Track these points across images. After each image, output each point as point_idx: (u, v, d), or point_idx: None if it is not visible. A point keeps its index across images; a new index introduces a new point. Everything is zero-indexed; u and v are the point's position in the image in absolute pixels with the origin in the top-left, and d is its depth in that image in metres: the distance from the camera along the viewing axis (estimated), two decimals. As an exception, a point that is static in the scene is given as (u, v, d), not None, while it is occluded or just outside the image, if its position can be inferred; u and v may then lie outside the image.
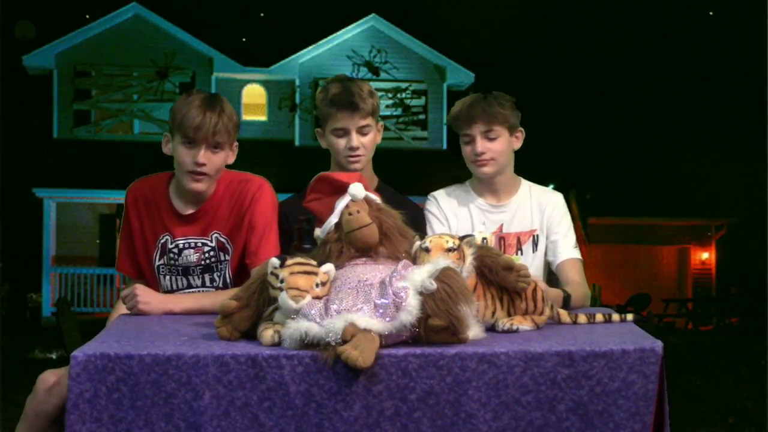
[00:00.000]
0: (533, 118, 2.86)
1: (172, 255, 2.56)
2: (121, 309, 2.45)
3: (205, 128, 2.40)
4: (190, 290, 2.58)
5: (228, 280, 2.57)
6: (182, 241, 2.55)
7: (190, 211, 2.55)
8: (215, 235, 2.55)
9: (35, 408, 2.13)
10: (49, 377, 2.26)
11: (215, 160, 2.47)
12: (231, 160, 2.56)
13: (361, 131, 2.74)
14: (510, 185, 2.84)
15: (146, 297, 2.34)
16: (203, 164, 2.44)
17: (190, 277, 2.57)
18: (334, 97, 2.70)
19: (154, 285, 2.58)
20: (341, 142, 2.74)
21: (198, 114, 2.40)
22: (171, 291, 2.58)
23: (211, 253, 2.55)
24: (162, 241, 2.57)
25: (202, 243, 2.55)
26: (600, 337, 1.91)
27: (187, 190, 2.52)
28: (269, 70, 18.54)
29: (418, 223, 2.61)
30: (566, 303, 2.38)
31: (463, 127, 2.75)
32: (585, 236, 17.89)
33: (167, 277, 2.58)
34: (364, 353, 1.65)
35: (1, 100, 11.30)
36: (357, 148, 2.73)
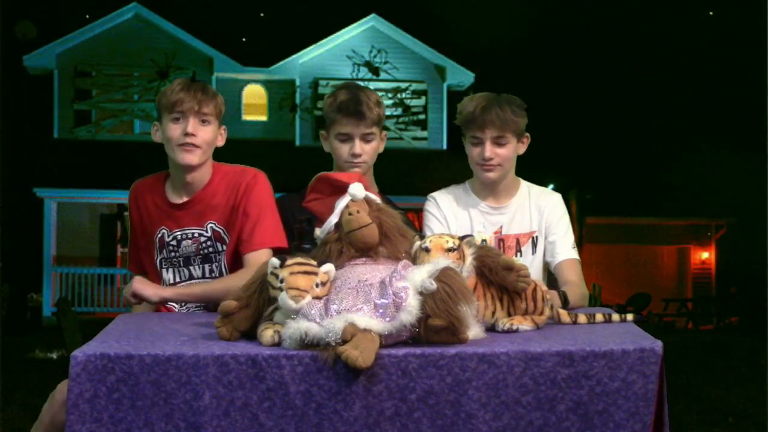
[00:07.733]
0: (533, 119, 2.85)
1: (171, 248, 2.59)
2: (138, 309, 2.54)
3: (190, 99, 2.47)
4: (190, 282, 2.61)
5: (224, 270, 2.59)
6: (179, 233, 2.58)
7: (183, 200, 2.58)
8: (210, 225, 2.57)
9: (51, 417, 2.13)
10: (67, 389, 2.26)
11: (204, 133, 2.50)
12: (221, 142, 2.59)
13: (365, 138, 2.79)
14: (510, 187, 2.83)
15: (140, 282, 2.43)
16: (192, 134, 2.47)
17: (191, 268, 2.60)
18: (342, 104, 2.75)
19: (157, 282, 2.60)
20: (344, 148, 2.79)
21: (182, 89, 2.48)
22: (173, 285, 2.60)
23: (208, 243, 2.58)
24: (159, 235, 2.60)
25: (198, 233, 2.58)
26: (600, 337, 1.91)
27: (179, 168, 2.53)
28: (269, 70, 18.55)
29: None
30: (564, 303, 2.38)
31: (473, 130, 2.72)
32: (579, 238, 17.86)
33: (169, 270, 2.61)
34: (364, 353, 1.65)
35: (1, 100, 11.30)
36: (359, 155, 2.77)
